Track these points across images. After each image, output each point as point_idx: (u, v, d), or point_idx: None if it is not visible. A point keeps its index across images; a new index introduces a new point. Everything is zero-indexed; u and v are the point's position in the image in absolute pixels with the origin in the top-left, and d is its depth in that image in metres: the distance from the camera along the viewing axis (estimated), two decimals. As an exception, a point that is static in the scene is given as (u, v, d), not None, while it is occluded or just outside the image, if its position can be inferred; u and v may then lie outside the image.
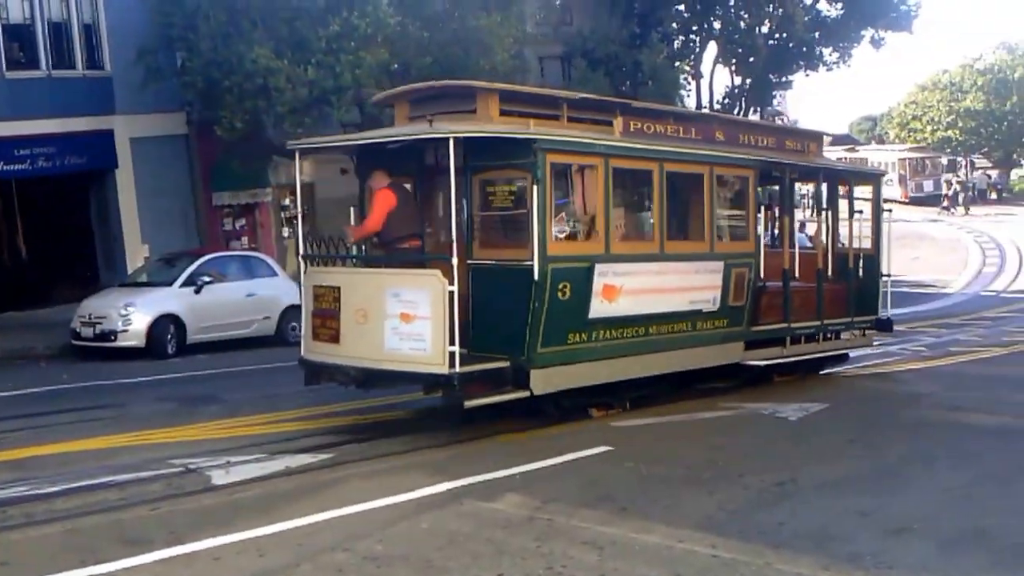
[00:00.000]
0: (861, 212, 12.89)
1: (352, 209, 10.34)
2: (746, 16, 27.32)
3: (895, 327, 13.82)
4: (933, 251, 32.28)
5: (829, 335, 12.49)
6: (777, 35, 27.27)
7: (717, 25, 27.66)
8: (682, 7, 27.81)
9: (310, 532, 6.08)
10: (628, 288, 9.46)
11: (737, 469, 7.79)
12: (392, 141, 9.32)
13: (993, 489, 7.30)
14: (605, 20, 26.37)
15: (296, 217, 9.91)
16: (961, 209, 45.50)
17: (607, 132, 9.94)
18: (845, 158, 38.81)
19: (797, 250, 12.14)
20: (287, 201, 23.17)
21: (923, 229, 38.17)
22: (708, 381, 11.11)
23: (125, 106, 19.39)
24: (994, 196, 52.92)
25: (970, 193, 50.62)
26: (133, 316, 15.33)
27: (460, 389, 8.41)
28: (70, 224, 20.33)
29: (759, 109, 28.93)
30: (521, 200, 9.14)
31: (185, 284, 16.01)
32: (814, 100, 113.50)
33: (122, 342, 15.27)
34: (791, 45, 27.36)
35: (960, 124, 56.60)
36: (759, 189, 11.62)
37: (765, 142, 11.89)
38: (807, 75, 29.34)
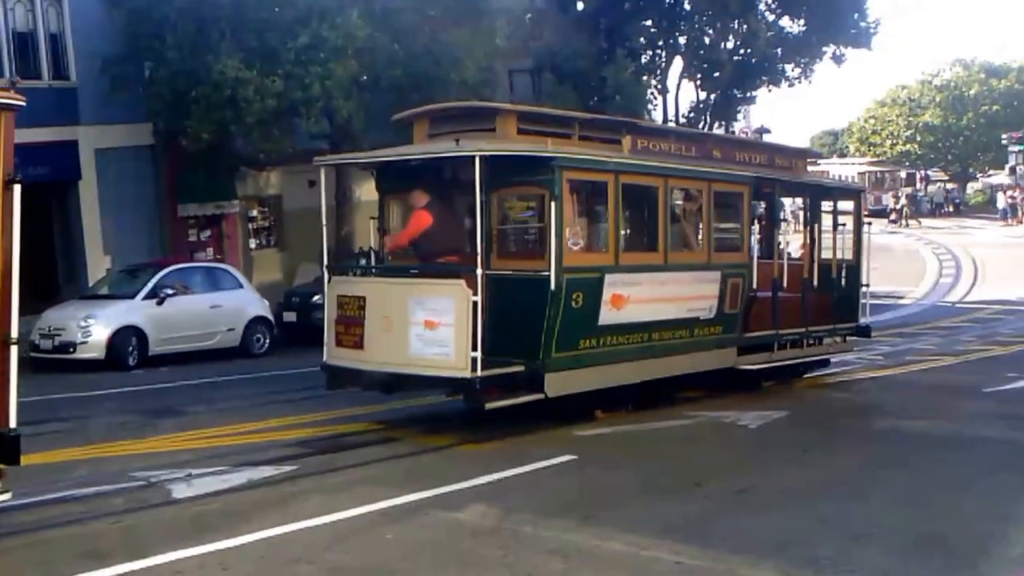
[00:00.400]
0: (844, 225, 13.57)
1: (372, 222, 10.83)
2: (711, 32, 27.61)
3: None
4: (891, 262, 32.76)
5: (813, 341, 13.04)
6: (741, 51, 27.57)
7: (682, 41, 27.90)
8: (648, 23, 28.04)
9: (273, 544, 6.03)
10: (634, 297, 10.04)
11: (699, 477, 7.85)
12: (421, 159, 9.87)
13: (947, 495, 7.41)
14: (573, 35, 26.53)
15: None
16: (910, 222, 46.27)
17: (616, 150, 10.56)
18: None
19: (786, 261, 12.77)
20: (254, 212, 23.04)
21: (882, 241, 38.68)
22: (701, 385, 11.53)
23: (90, 117, 19.14)
24: (951, 209, 53.91)
25: (927, 205, 51.54)
26: (93, 328, 15.12)
27: (481, 392, 8.82)
28: (32, 236, 19.93)
29: (725, 123, 29.21)
30: (538, 214, 9.80)
31: (148, 296, 15.82)
32: (777, 115, 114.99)
33: (81, 354, 15.04)
34: (755, 61, 27.66)
35: (918, 139, 57.67)
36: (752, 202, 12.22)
37: (757, 159, 12.62)
38: (770, 90, 29.66)
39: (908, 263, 31.97)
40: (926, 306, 24.69)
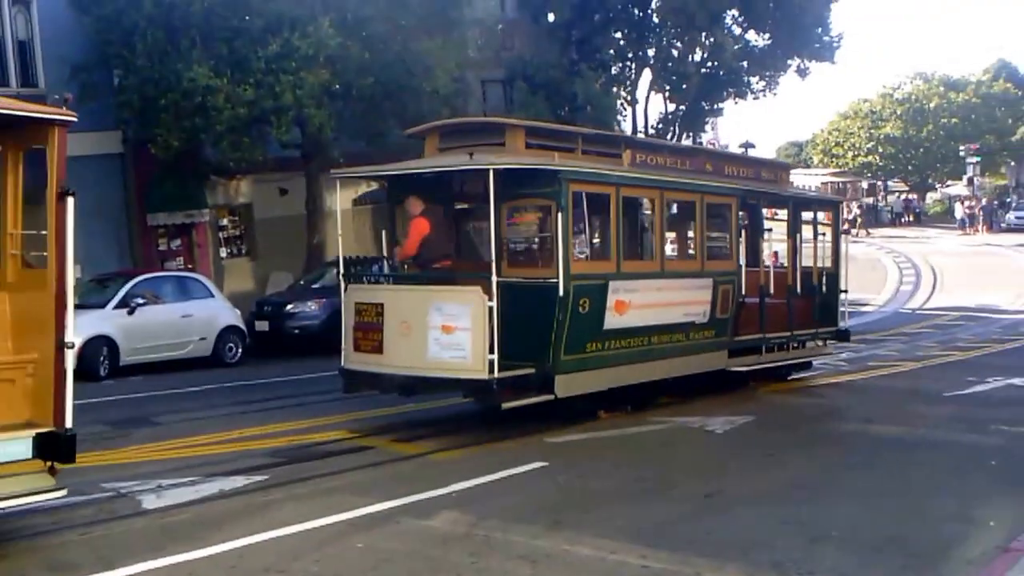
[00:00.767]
0: (824, 234, 14.32)
1: (384, 232, 11.21)
2: (678, 45, 27.90)
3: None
4: (853, 270, 33.21)
5: (796, 344, 13.72)
6: (708, 64, 27.88)
7: (651, 53, 28.18)
8: (618, 35, 28.28)
9: (244, 554, 5.99)
10: (635, 302, 10.53)
11: (667, 481, 7.92)
12: (435, 172, 10.24)
13: (909, 497, 7.53)
14: (545, 47, 26.67)
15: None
16: (861, 232, 46.89)
17: (617, 163, 11.07)
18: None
19: (772, 269, 13.40)
20: (225, 221, 22.85)
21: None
22: (693, 387, 11.92)
23: (59, 124, 18.90)
24: (911, 218, 54.77)
25: (888, 215, 52.30)
26: (64, 337, 14.88)
27: (497, 393, 9.18)
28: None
29: (692, 135, 29.50)
30: (545, 224, 10.27)
31: (118, 306, 15.62)
32: (744, 126, 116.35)
33: (52, 364, 14.81)
34: (721, 73, 28.00)
35: (879, 150, 58.60)
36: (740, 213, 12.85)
37: (745, 172, 13.29)
38: (737, 103, 30.05)
39: (870, 271, 32.38)
40: (887, 313, 25.05)
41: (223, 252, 22.54)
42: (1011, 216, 49.64)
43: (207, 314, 16.77)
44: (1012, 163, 62.28)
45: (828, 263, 14.42)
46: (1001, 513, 6.92)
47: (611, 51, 28.16)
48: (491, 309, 9.01)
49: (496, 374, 9.06)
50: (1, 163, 6.65)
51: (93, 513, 6.97)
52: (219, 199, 21.85)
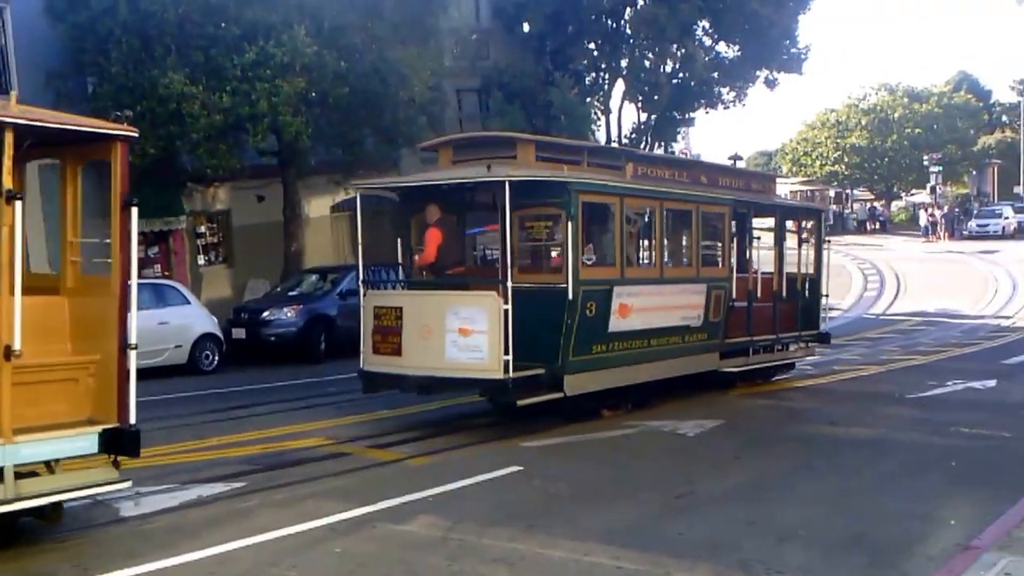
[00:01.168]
0: (808, 242, 14.91)
1: (399, 240, 11.56)
2: (650, 56, 28.12)
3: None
4: (821, 277, 33.62)
5: (781, 347, 14.34)
6: (680, 74, 28.11)
7: (624, 64, 28.38)
8: (591, 46, 28.48)
9: (222, 561, 5.98)
10: (637, 306, 11.02)
11: (639, 484, 8.00)
12: (452, 184, 10.57)
13: (869, 496, 7.66)
14: (520, 56, 26.78)
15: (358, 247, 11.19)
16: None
17: (620, 175, 11.62)
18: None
19: (760, 275, 13.83)
20: (202, 228, 22.69)
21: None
22: (687, 386, 12.42)
23: (34, 132, 18.68)
24: (876, 226, 55.43)
25: (853, 223, 52.88)
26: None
27: (512, 391, 9.62)
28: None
29: (664, 144, 29.73)
30: (555, 232, 10.74)
31: (95, 312, 15.46)
32: (715, 136, 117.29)
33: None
34: (692, 84, 28.24)
35: (845, 159, 59.28)
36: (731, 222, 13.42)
37: (736, 183, 13.94)
38: (707, 112, 30.33)
39: (835, 277, 32.65)
40: (852, 318, 25.35)
41: (201, 259, 22.36)
42: (973, 224, 50.44)
43: (183, 322, 16.63)
44: (973, 172, 63.36)
45: (811, 269, 14.97)
46: (961, 512, 7.07)
47: (585, 61, 28.35)
48: (506, 312, 9.41)
49: (511, 374, 9.46)
50: (61, 176, 6.96)
51: (70, 521, 6.90)
52: (196, 206, 21.70)
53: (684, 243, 12.62)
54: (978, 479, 8.21)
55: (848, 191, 61.15)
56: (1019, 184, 59.78)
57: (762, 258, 14.21)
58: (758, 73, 29.44)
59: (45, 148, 6.74)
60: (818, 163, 60.16)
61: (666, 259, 12.04)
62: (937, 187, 54.05)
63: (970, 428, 10.51)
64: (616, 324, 10.70)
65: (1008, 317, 24.83)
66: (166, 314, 16.46)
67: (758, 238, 14.25)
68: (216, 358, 17.03)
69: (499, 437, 10.06)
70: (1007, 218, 49.88)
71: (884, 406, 12.24)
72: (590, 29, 27.72)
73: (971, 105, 60.77)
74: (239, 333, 17.80)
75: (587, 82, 28.57)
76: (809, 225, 15.37)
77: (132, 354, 6.42)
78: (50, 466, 6.44)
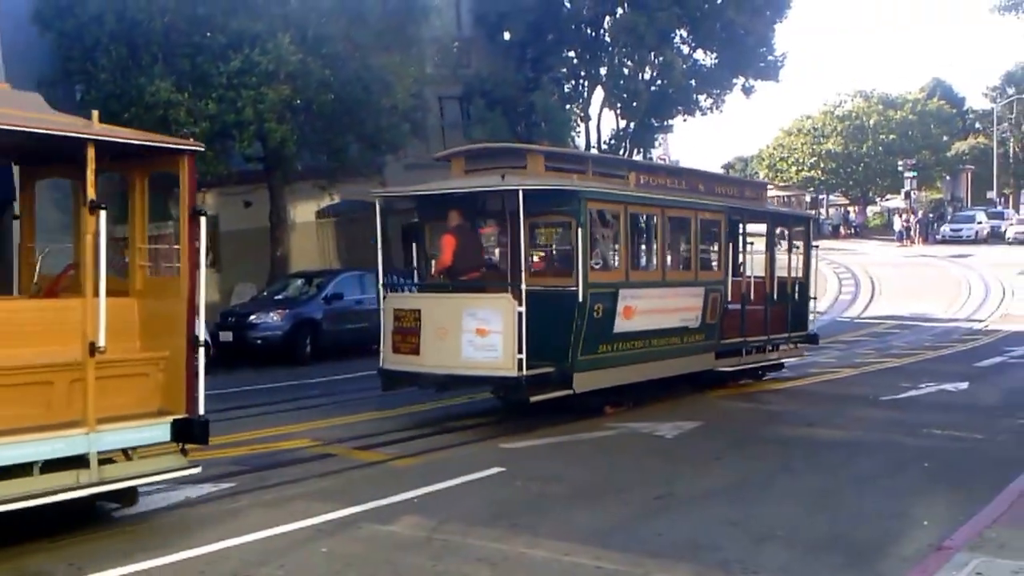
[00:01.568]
0: (797, 247, 15.33)
1: (414, 246, 12.01)
2: (629, 64, 28.27)
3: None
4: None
5: (772, 347, 14.75)
6: (658, 82, 28.27)
7: (603, 71, 28.52)
8: (571, 54, 28.60)
9: (211, 560, 5.98)
10: (640, 308, 11.38)
11: (619, 484, 8.05)
12: (468, 192, 10.97)
13: (845, 497, 7.74)
14: (501, 64, 26.86)
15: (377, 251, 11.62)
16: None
17: (624, 184, 12.09)
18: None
19: (754, 278, 14.33)
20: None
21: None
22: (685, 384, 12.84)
23: (21, 138, 18.55)
24: (852, 231, 55.88)
25: (828, 228, 53.35)
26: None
27: (526, 388, 9.97)
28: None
29: (643, 150, 29.85)
30: (564, 238, 11.22)
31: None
32: (693, 142, 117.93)
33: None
34: (671, 91, 28.37)
35: (822, 165, 59.74)
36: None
37: (730, 191, 14.49)
38: (685, 119, 30.46)
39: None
40: (827, 321, 25.46)
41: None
42: (946, 228, 50.95)
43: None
44: (947, 177, 64.01)
45: (800, 273, 15.42)
46: (934, 512, 7.15)
47: (564, 69, 28.48)
48: (520, 314, 9.79)
49: (525, 372, 9.83)
50: (131, 186, 7.43)
51: (65, 521, 6.87)
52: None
53: (683, 248, 13.07)
54: (951, 480, 8.31)
55: (824, 196, 61.62)
56: (992, 190, 60.52)
57: (754, 262, 14.66)
58: (735, 80, 29.66)
59: (114, 161, 7.12)
60: (794, 169, 60.60)
61: (667, 263, 12.46)
62: (911, 192, 54.62)
63: (943, 430, 10.63)
64: (621, 325, 11.07)
65: (980, 320, 25.11)
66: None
67: (751, 243, 14.75)
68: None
69: (482, 438, 10.10)
70: (980, 223, 50.45)
71: (859, 408, 12.36)
72: (570, 37, 27.85)
73: (945, 112, 61.42)
74: (226, 336, 17.74)
75: (567, 89, 28.69)
76: (798, 231, 15.82)
77: (201, 350, 6.88)
78: (127, 453, 6.82)
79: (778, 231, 15.29)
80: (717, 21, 26.98)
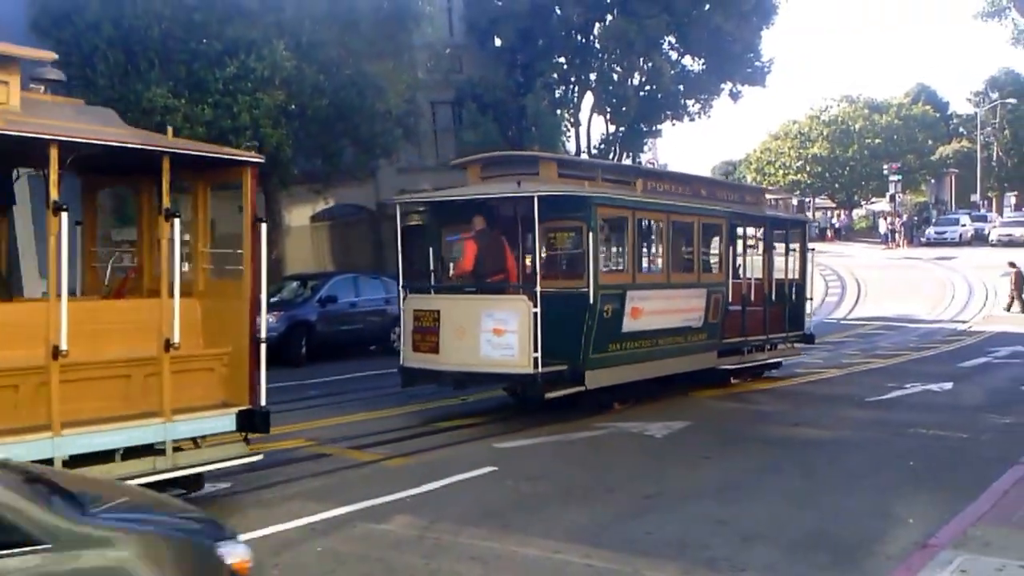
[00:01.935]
0: (794, 249, 15.76)
1: (431, 250, 12.19)
2: (618, 69, 28.32)
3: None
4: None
5: (770, 346, 15.13)
6: (647, 87, 28.32)
7: (593, 77, 28.57)
8: (562, 60, 28.63)
9: (205, 559, 5.96)
10: (647, 309, 11.72)
11: (609, 483, 8.05)
12: (485, 199, 11.21)
13: (834, 496, 7.76)
14: (492, 69, 26.88)
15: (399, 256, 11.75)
16: None
17: (631, 190, 12.44)
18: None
19: (754, 280, 14.74)
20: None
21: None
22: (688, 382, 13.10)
23: (19, 143, 18.48)
24: (832, 234, 56.01)
25: (815, 230, 53.53)
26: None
27: (541, 385, 10.31)
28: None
29: (632, 154, 29.87)
30: (576, 242, 11.54)
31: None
32: (681, 146, 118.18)
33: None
34: (659, 96, 28.44)
35: (808, 169, 59.93)
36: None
37: (731, 196, 14.84)
38: (674, 124, 30.52)
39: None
40: (813, 323, 25.38)
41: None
42: (931, 231, 51.17)
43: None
44: (932, 181, 64.28)
45: (796, 275, 15.80)
46: (919, 511, 7.17)
47: (555, 75, 28.50)
48: (535, 314, 10.11)
49: (540, 369, 10.12)
50: (194, 196, 8.01)
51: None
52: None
53: (687, 251, 13.33)
54: (936, 479, 8.34)
55: (810, 199, 61.79)
56: (976, 193, 60.82)
57: (753, 264, 14.98)
58: (723, 86, 29.72)
59: (180, 171, 7.51)
60: (781, 172, 60.77)
61: (671, 266, 12.74)
62: (896, 196, 54.81)
63: (928, 429, 10.67)
64: (629, 325, 11.39)
65: (964, 321, 25.21)
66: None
67: (751, 246, 15.11)
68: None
69: (475, 438, 10.10)
70: (964, 226, 50.67)
71: (846, 408, 12.40)
72: (560, 44, 27.88)
73: (929, 116, 61.70)
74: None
75: (557, 94, 28.72)
76: (795, 234, 16.18)
77: (263, 347, 7.28)
78: (196, 442, 7.24)
79: (776, 234, 15.74)
80: (705, 28, 27.03)
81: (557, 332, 10.34)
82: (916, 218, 55.81)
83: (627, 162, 27.75)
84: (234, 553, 3.76)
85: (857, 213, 64.93)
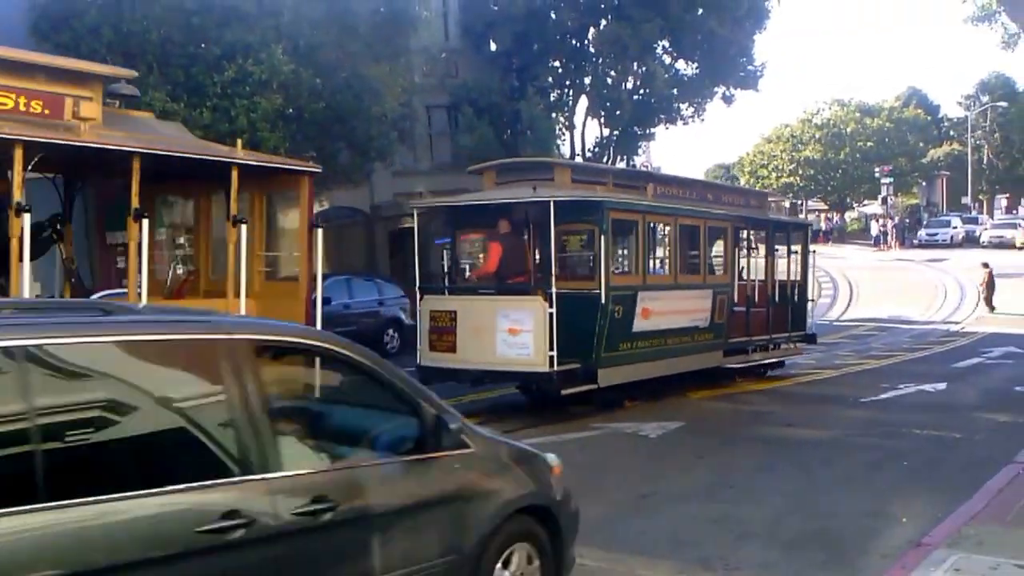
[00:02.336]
0: (796, 252, 16.02)
1: (445, 252, 12.53)
2: (612, 73, 28.29)
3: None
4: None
5: (773, 346, 15.44)
6: (640, 91, 28.26)
7: (587, 80, 28.53)
8: (556, 64, 28.61)
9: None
10: (656, 309, 12.01)
11: (603, 483, 7.97)
12: (502, 204, 11.47)
13: (828, 495, 7.70)
14: (487, 73, 26.85)
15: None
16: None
17: (641, 195, 12.81)
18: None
19: (758, 282, 15.09)
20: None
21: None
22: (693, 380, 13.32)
23: (16, 146, 18.40)
24: (827, 237, 56.03)
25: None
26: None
27: (556, 382, 10.52)
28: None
29: (626, 158, 29.85)
30: (589, 245, 11.88)
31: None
32: (675, 150, 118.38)
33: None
34: (653, 100, 28.38)
35: (800, 172, 59.98)
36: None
37: (736, 200, 15.20)
38: (668, 128, 30.47)
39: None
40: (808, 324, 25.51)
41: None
42: (922, 233, 51.25)
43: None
44: (923, 183, 64.42)
45: (798, 276, 16.04)
46: (913, 510, 7.12)
47: (550, 79, 28.47)
48: (550, 315, 10.33)
49: (556, 367, 10.33)
50: (251, 203, 8.23)
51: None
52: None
53: (694, 253, 13.57)
54: (929, 478, 8.29)
55: (803, 202, 61.86)
56: (967, 195, 60.93)
57: (757, 266, 15.21)
58: (716, 90, 29.70)
59: (243, 180, 7.86)
60: (774, 175, 60.82)
61: (679, 268, 13.00)
62: (888, 198, 54.89)
63: (921, 429, 10.62)
64: (639, 325, 11.66)
65: (957, 322, 25.18)
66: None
67: (755, 248, 15.32)
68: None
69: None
70: (955, 228, 50.76)
71: (839, 408, 12.35)
72: (555, 48, 27.85)
73: (920, 120, 61.82)
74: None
75: (552, 98, 28.68)
76: (797, 237, 16.38)
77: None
78: None
79: (778, 237, 15.96)
80: (698, 32, 27.01)
81: (571, 332, 10.52)
82: (908, 220, 55.87)
83: (621, 165, 27.74)
84: (552, 460, 5.12)
85: (849, 215, 65.01)
